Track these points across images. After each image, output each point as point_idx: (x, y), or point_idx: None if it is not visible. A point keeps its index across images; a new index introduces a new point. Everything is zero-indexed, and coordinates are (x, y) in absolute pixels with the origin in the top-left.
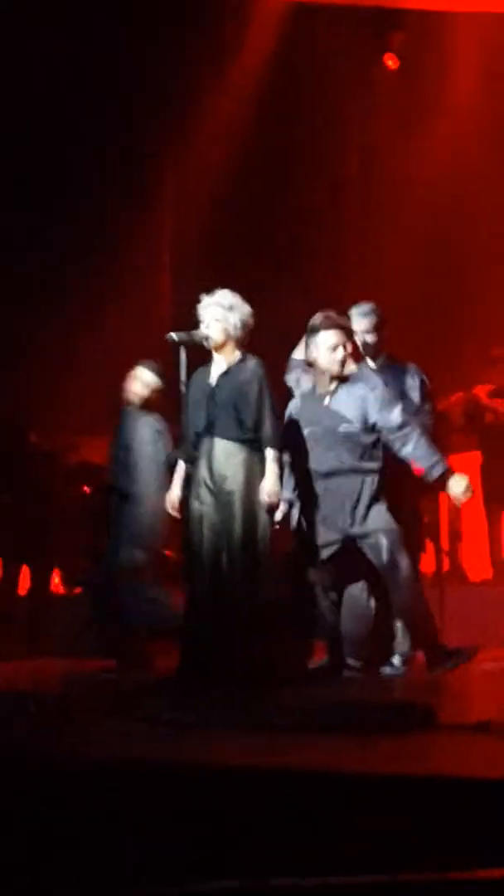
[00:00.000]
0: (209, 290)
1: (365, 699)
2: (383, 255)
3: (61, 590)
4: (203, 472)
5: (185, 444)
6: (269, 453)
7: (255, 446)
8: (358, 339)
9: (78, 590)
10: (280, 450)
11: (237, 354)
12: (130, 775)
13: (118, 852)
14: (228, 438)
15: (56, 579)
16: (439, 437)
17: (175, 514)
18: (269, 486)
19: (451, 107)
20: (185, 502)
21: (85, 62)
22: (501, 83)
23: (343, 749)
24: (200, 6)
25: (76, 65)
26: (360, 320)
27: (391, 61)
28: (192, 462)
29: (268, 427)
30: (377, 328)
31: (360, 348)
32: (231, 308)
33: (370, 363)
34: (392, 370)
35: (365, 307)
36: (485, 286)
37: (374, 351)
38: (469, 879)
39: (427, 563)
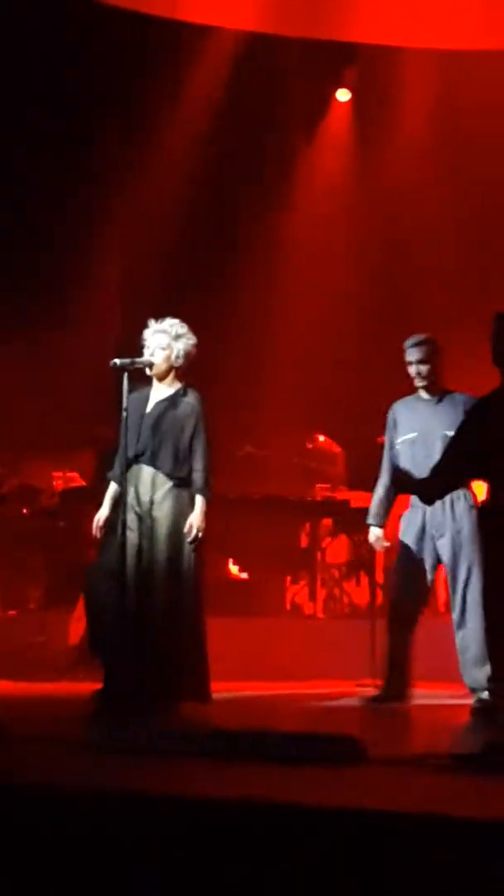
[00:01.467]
0: (157, 317)
1: (292, 730)
2: (329, 284)
3: None
4: (131, 497)
5: (118, 466)
6: (199, 500)
7: (184, 480)
8: (412, 371)
9: (12, 612)
10: (208, 494)
11: (177, 384)
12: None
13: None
14: (158, 469)
15: None
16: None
17: (97, 532)
18: (197, 521)
19: (401, 139)
20: (111, 525)
21: (41, 90)
22: (450, 117)
23: (269, 778)
24: (158, 36)
25: (30, 92)
26: (413, 351)
27: (343, 95)
28: (119, 485)
29: (199, 469)
30: (430, 359)
31: (414, 379)
32: (177, 337)
33: (424, 394)
34: (449, 400)
35: (418, 338)
36: (431, 315)
37: (428, 381)
38: None
39: (361, 596)
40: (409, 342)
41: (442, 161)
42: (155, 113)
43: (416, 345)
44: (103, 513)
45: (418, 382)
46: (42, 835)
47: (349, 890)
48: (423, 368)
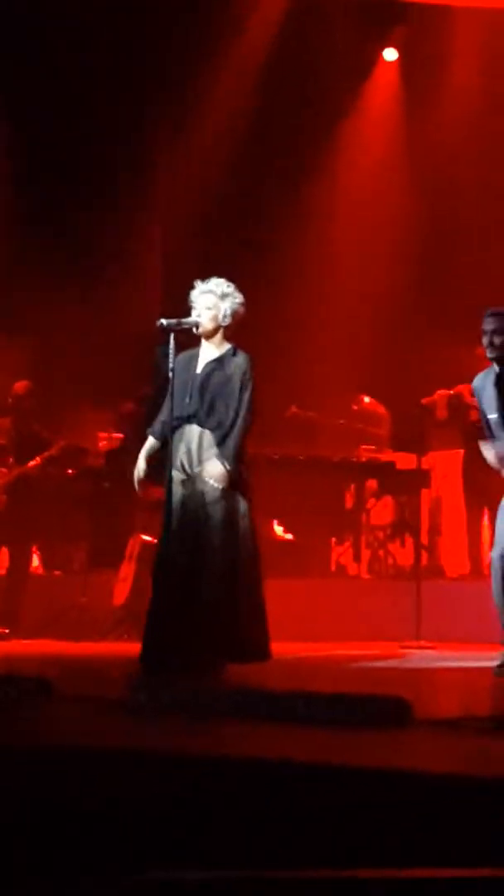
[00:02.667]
0: (203, 277)
1: (339, 691)
2: (376, 249)
3: (41, 571)
4: (182, 455)
5: (159, 424)
6: (232, 435)
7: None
8: (485, 341)
9: (57, 573)
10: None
11: (226, 345)
12: (99, 762)
13: (60, 840)
14: (207, 427)
15: (36, 561)
16: (423, 432)
17: (138, 488)
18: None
19: (449, 99)
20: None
21: (87, 48)
22: (499, 76)
23: (313, 741)
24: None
25: (79, 52)
26: (489, 321)
27: (391, 54)
28: (162, 442)
29: (234, 434)
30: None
31: (487, 350)
32: (224, 297)
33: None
34: None
35: (495, 309)
36: (474, 283)
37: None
38: (436, 877)
39: (405, 557)
40: (488, 312)
41: (491, 121)
42: (201, 74)
43: (494, 315)
44: (140, 467)
45: (490, 354)
46: (84, 794)
47: (391, 851)
48: (498, 339)
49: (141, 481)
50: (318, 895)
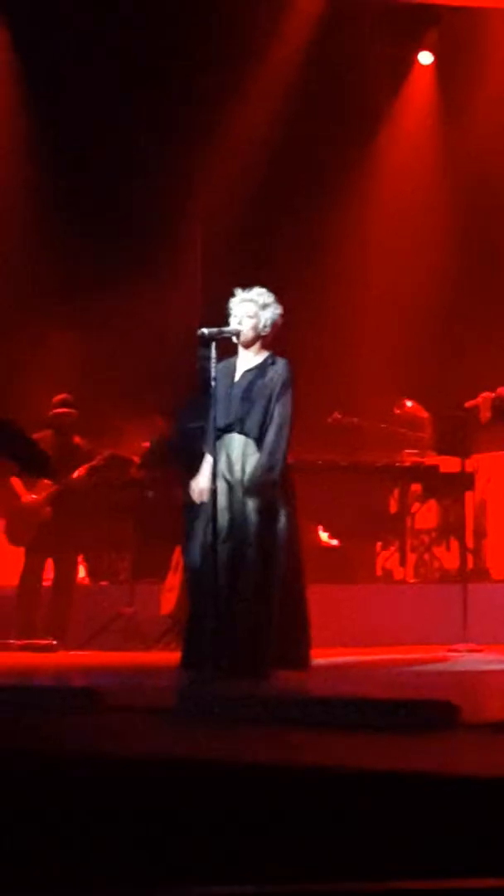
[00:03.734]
0: (243, 285)
1: (386, 696)
2: (416, 253)
3: (87, 581)
4: (222, 465)
5: (211, 435)
6: (267, 444)
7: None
8: None
9: (103, 583)
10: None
11: (264, 353)
12: (127, 770)
13: (114, 851)
14: (248, 436)
15: (82, 572)
16: (467, 434)
17: (198, 498)
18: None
19: (485, 101)
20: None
21: (118, 62)
22: None
23: (362, 747)
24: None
25: (124, 71)
26: None
27: (426, 57)
28: (212, 455)
29: (272, 442)
30: None
31: None
32: (265, 307)
33: None
34: None
35: None
36: None
37: None
38: (485, 887)
39: (451, 560)
40: None
41: None
42: (238, 76)
43: None
44: (204, 483)
45: None
46: (130, 805)
47: (437, 855)
48: None
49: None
50: None
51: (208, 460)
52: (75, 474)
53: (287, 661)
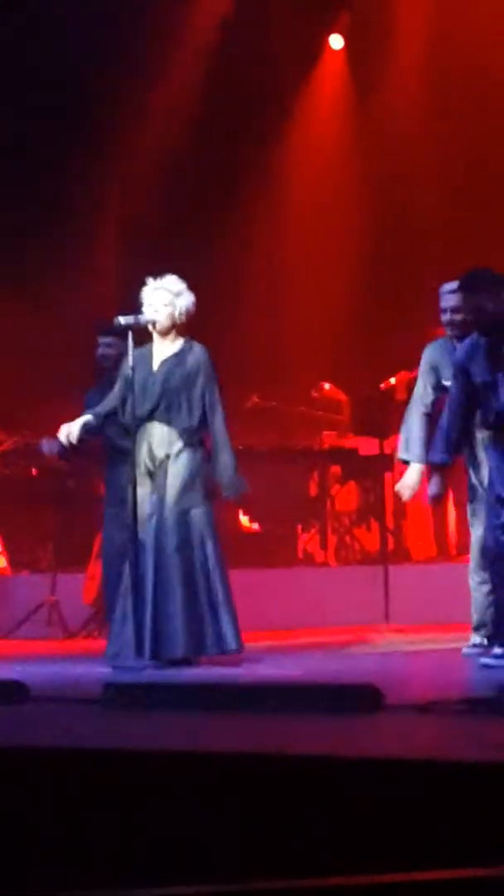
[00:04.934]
0: (156, 274)
1: (310, 680)
2: (331, 237)
3: (8, 571)
4: (144, 454)
5: (103, 408)
6: (221, 442)
7: (195, 434)
8: (445, 318)
9: (25, 572)
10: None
11: (180, 340)
12: (56, 761)
13: (42, 846)
14: (172, 426)
15: (3, 561)
16: (385, 416)
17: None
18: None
19: (396, 82)
20: (118, 483)
21: (43, 50)
22: (444, 57)
23: (288, 732)
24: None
25: (37, 52)
26: (448, 297)
27: (337, 41)
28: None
29: (217, 419)
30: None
31: (447, 328)
32: (178, 294)
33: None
34: None
35: (451, 284)
36: (426, 267)
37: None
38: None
39: (372, 542)
40: (444, 288)
41: (436, 102)
42: (152, 59)
43: (453, 292)
44: (73, 432)
45: (450, 332)
46: (60, 794)
47: (365, 837)
48: (458, 317)
49: (54, 442)
50: None
51: (85, 417)
52: None
53: (218, 646)
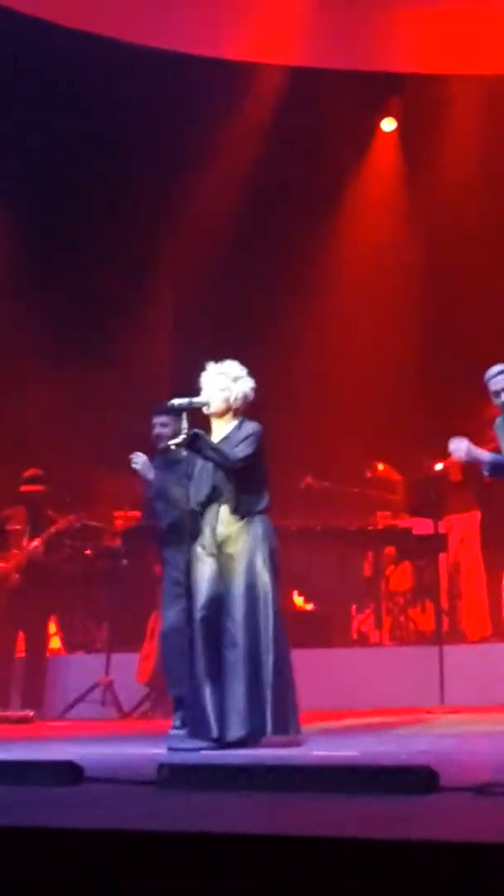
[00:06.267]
0: (214, 358)
1: (367, 762)
2: (385, 317)
3: (63, 651)
4: (207, 539)
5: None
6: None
7: (254, 505)
8: (498, 402)
9: (80, 653)
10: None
11: (235, 421)
12: (111, 843)
13: None
14: (228, 506)
15: (57, 642)
16: (440, 495)
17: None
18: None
19: (447, 166)
20: (176, 563)
21: (92, 146)
22: (496, 142)
23: (346, 813)
24: (205, 75)
25: (86, 149)
26: (497, 380)
27: (389, 124)
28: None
29: (240, 449)
30: None
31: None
32: (236, 379)
33: None
34: None
35: (499, 367)
36: (480, 346)
37: None
38: None
39: (426, 622)
40: (491, 373)
41: (488, 186)
42: (202, 152)
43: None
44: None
45: None
46: (113, 876)
47: None
48: None
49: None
50: None
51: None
52: (34, 544)
53: (277, 728)
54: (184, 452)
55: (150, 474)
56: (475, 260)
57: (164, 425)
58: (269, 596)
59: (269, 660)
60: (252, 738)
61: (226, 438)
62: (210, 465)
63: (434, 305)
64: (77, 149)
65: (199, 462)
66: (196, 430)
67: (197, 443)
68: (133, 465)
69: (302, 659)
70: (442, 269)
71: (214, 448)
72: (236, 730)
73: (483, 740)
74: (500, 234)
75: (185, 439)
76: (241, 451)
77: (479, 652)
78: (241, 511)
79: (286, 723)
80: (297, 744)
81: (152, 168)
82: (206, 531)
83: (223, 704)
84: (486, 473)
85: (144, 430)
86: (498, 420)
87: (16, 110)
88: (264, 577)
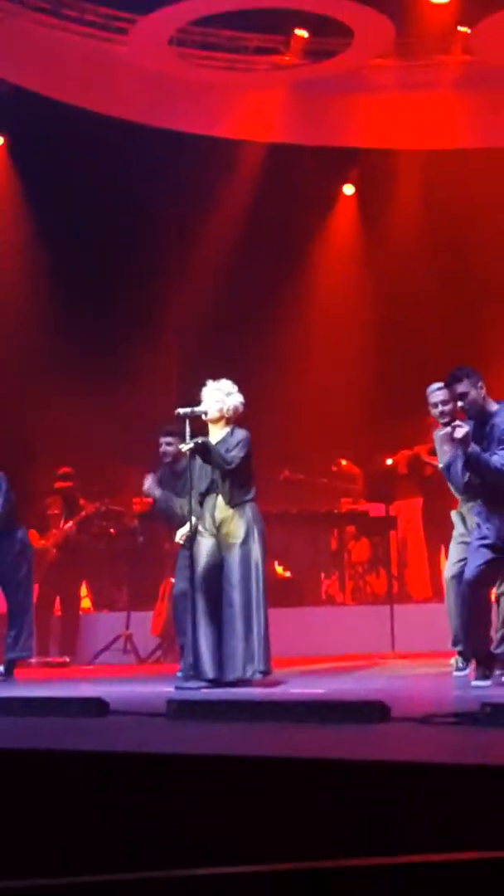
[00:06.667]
0: (213, 377)
1: (334, 698)
2: (346, 344)
3: (92, 610)
4: (207, 523)
5: (192, 497)
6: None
7: (243, 495)
8: (435, 412)
9: (105, 611)
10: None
11: (227, 428)
12: (137, 763)
13: (119, 836)
14: (223, 497)
15: (88, 602)
16: (390, 485)
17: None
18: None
19: (396, 223)
20: (193, 543)
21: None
22: (435, 204)
23: (313, 739)
24: (197, 149)
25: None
26: (436, 394)
27: (349, 188)
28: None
29: (234, 453)
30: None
31: (438, 418)
32: (228, 394)
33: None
34: None
35: (438, 383)
36: (422, 366)
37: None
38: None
39: (380, 586)
40: (431, 388)
41: (429, 236)
42: (201, 212)
43: (440, 388)
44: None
45: (442, 420)
46: (131, 791)
47: (372, 827)
48: (447, 407)
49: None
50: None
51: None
52: (68, 525)
53: (258, 668)
54: (183, 464)
55: (157, 492)
56: (417, 296)
57: (169, 444)
58: (260, 567)
59: (259, 617)
60: (243, 680)
61: (221, 441)
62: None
63: (384, 334)
64: (105, 211)
65: (199, 462)
66: (204, 439)
67: (202, 449)
68: (144, 489)
69: (281, 616)
70: (396, 300)
71: (216, 453)
72: (232, 673)
73: (425, 680)
74: (439, 272)
75: (194, 446)
76: (236, 455)
77: (422, 610)
78: (234, 500)
79: (269, 666)
80: (277, 684)
81: (163, 225)
82: (206, 515)
83: (221, 652)
84: (460, 464)
85: (154, 438)
86: (436, 431)
87: (57, 175)
88: (256, 552)
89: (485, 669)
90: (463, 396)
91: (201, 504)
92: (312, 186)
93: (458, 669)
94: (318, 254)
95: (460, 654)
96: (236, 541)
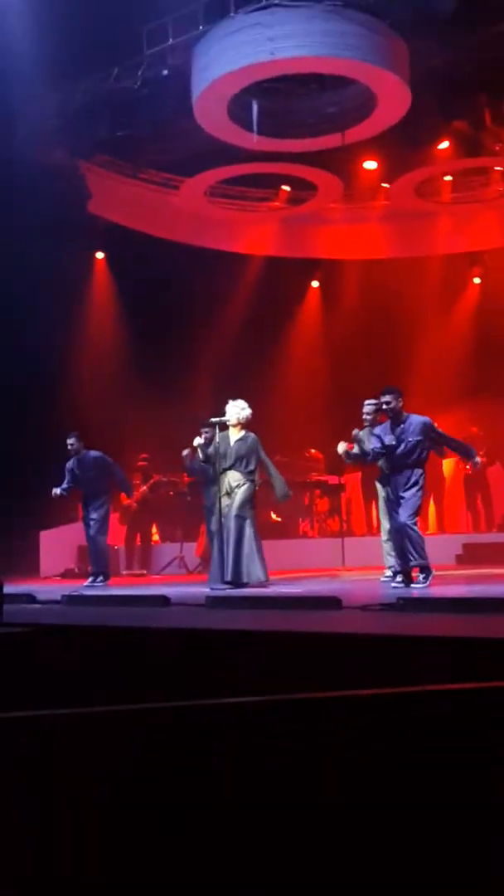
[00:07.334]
0: (232, 397)
1: (307, 594)
2: (312, 374)
3: (160, 542)
4: (226, 487)
5: (216, 471)
6: (275, 473)
7: (250, 476)
8: (368, 420)
9: (167, 542)
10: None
11: (243, 431)
12: (189, 637)
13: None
14: (239, 471)
15: (157, 537)
16: (340, 463)
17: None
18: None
19: (344, 309)
20: (211, 498)
21: (168, 297)
22: (372, 295)
23: (288, 620)
24: (209, 267)
25: (164, 300)
26: (370, 405)
27: (315, 283)
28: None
29: (270, 465)
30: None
31: (365, 420)
32: (243, 409)
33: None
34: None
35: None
36: (360, 391)
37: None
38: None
39: (335, 526)
40: (366, 403)
41: (364, 314)
42: (219, 300)
43: (371, 404)
44: (201, 447)
45: (368, 422)
46: (188, 649)
47: (335, 678)
48: (371, 417)
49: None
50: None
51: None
52: (143, 489)
53: (259, 577)
54: (213, 447)
55: (201, 441)
56: (357, 350)
57: (206, 432)
58: (251, 512)
59: (252, 542)
60: (251, 584)
61: (240, 440)
62: (233, 447)
63: (336, 371)
64: (163, 299)
65: (223, 448)
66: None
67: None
68: (194, 444)
69: (275, 545)
70: (340, 354)
71: (280, 476)
72: (245, 577)
73: (363, 583)
74: (370, 337)
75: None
76: (268, 459)
77: (362, 541)
78: (243, 477)
79: (266, 575)
80: (271, 586)
81: (198, 308)
82: (225, 483)
83: (236, 564)
84: (367, 459)
85: (197, 430)
86: (361, 432)
87: (137, 277)
88: (249, 506)
89: (405, 578)
90: (388, 403)
91: (224, 474)
92: (291, 283)
93: (385, 578)
94: (294, 325)
95: (389, 568)
96: (239, 499)
